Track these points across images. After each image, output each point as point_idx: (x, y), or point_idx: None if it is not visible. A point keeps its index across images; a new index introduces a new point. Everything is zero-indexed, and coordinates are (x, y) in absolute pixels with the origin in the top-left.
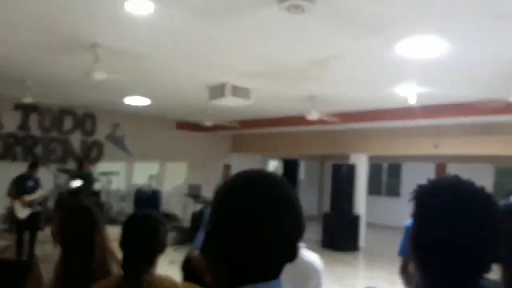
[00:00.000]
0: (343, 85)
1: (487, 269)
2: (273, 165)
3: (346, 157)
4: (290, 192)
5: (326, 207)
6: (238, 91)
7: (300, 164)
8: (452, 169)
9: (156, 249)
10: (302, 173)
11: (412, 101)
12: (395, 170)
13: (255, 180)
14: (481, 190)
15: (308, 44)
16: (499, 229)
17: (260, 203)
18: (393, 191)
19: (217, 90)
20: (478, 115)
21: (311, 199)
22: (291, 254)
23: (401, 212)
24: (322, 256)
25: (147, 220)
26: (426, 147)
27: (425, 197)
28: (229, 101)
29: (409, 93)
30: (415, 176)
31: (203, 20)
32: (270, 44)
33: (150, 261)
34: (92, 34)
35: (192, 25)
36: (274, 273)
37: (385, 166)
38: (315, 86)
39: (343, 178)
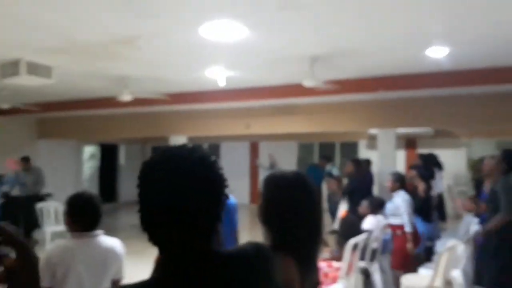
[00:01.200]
0: (155, 66)
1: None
2: (89, 151)
3: (167, 139)
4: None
5: None
6: (36, 69)
7: (120, 149)
8: (264, 147)
9: None
10: (122, 158)
11: (222, 84)
12: (214, 150)
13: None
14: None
15: (106, 19)
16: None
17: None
18: None
19: (9, 67)
20: (281, 97)
21: (133, 184)
22: None
23: None
24: (143, 240)
25: None
26: (239, 128)
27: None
28: (25, 80)
29: (219, 76)
30: (233, 155)
31: None
32: (64, 17)
33: None
34: None
35: None
36: None
37: (205, 146)
38: (125, 66)
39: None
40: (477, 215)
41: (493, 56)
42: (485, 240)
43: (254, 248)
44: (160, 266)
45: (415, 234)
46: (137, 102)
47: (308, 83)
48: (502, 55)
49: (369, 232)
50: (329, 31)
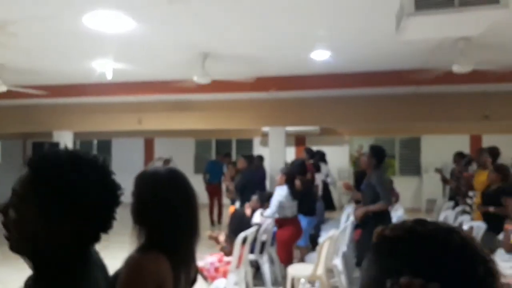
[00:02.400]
0: (34, 55)
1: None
2: None
3: (50, 134)
4: None
5: None
6: None
7: None
8: (159, 144)
9: None
10: None
11: (109, 76)
12: (105, 147)
13: None
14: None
15: None
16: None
17: None
18: None
19: None
20: (175, 93)
21: (12, 182)
22: None
23: None
24: None
25: None
26: (131, 123)
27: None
28: None
29: (106, 68)
30: (125, 152)
31: None
32: None
33: None
34: None
35: None
36: None
37: (95, 142)
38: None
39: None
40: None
41: (366, 61)
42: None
43: None
44: None
45: (297, 228)
46: (15, 93)
47: (199, 79)
48: (374, 61)
49: (259, 225)
50: (220, 29)
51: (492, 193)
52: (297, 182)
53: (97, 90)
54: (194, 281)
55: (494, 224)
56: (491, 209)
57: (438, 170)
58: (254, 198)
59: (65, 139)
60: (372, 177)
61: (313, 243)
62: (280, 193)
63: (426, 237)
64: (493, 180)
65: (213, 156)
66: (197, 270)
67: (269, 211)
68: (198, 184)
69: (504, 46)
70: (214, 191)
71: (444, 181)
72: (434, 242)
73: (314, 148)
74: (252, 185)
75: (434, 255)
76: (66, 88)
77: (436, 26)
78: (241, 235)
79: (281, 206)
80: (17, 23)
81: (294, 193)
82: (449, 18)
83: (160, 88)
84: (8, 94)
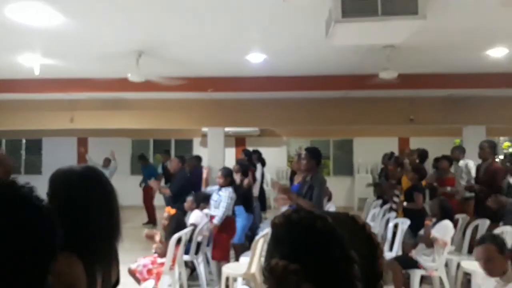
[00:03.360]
0: None
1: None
2: None
3: None
4: None
5: None
6: None
7: None
8: (93, 143)
9: None
10: None
11: (37, 72)
12: (35, 146)
13: None
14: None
15: None
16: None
17: None
18: (35, 168)
19: None
20: (108, 91)
21: None
22: None
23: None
24: None
25: None
26: (63, 121)
27: None
28: None
29: (34, 63)
30: (56, 151)
31: None
32: None
33: None
34: None
35: None
36: None
37: (23, 142)
38: None
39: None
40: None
41: (300, 65)
42: None
43: None
44: None
45: (231, 225)
46: None
47: (133, 78)
48: (307, 65)
49: (194, 225)
50: (155, 28)
51: (409, 190)
52: (247, 180)
53: (25, 86)
54: (116, 283)
55: (416, 220)
56: (405, 204)
57: (370, 184)
58: (189, 199)
59: None
60: (315, 180)
61: (250, 243)
62: (229, 195)
63: (296, 223)
64: (411, 179)
65: (151, 156)
66: (119, 272)
67: (220, 216)
68: (134, 185)
69: (427, 52)
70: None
71: (375, 186)
72: (300, 228)
73: (254, 148)
74: (188, 185)
75: (298, 239)
76: None
77: (361, 33)
78: (175, 235)
79: (228, 208)
80: None
81: (238, 191)
82: (373, 26)
83: (93, 85)
84: None
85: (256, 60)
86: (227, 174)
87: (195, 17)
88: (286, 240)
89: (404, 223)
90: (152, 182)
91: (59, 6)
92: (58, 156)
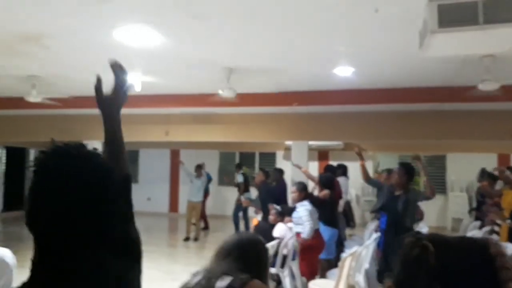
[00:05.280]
0: (68, 67)
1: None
2: None
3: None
4: None
5: None
6: None
7: (29, 153)
8: (184, 155)
9: None
10: (32, 163)
11: (138, 89)
12: (133, 157)
13: None
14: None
15: (9, 13)
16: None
17: None
18: (132, 176)
19: None
20: (200, 106)
21: None
22: None
23: (139, 198)
24: None
25: None
26: (158, 134)
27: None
28: None
29: (135, 81)
30: (152, 162)
31: None
32: None
33: None
34: None
35: None
36: None
37: None
38: (33, 65)
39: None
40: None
41: (390, 78)
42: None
43: None
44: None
45: (320, 241)
46: (47, 104)
47: (223, 93)
48: (397, 78)
49: (280, 239)
50: (242, 44)
51: None
52: (324, 192)
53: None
54: None
55: None
56: (508, 222)
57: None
58: (273, 212)
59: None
60: (411, 195)
61: (336, 259)
62: (305, 208)
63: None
64: None
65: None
66: None
67: (307, 230)
68: (220, 196)
69: None
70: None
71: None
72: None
73: (337, 163)
74: (272, 198)
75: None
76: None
77: (460, 43)
78: None
79: (313, 221)
80: (51, 35)
81: (315, 203)
82: (473, 36)
83: (187, 101)
84: (41, 104)
85: (343, 73)
86: (302, 189)
87: (285, 31)
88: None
89: (510, 249)
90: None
91: (160, 27)
92: (153, 166)
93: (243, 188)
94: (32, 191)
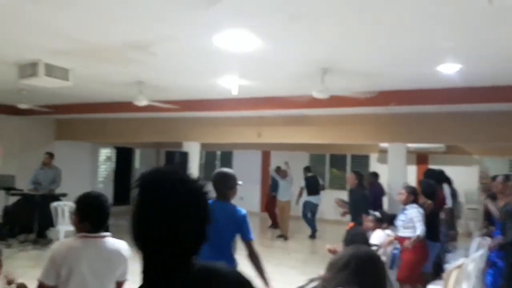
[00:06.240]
0: (169, 72)
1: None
2: (105, 154)
3: (180, 144)
4: None
5: None
6: (53, 71)
7: (135, 152)
8: (275, 156)
9: None
10: (137, 162)
11: (235, 92)
12: (227, 157)
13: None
14: (192, 179)
15: (119, 24)
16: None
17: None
18: None
19: (28, 68)
20: (292, 108)
21: None
22: None
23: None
24: None
25: None
26: (251, 136)
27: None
28: (43, 81)
29: (232, 84)
30: (244, 163)
31: None
32: (78, 21)
33: None
34: None
35: None
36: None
37: (218, 153)
38: (140, 71)
39: (176, 165)
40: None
41: (502, 74)
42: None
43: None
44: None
45: (425, 249)
46: (152, 107)
47: (318, 94)
48: (508, 75)
49: (377, 246)
50: (340, 44)
51: None
52: (429, 202)
53: (222, 105)
54: None
55: None
56: None
57: None
58: (369, 218)
59: (193, 149)
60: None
61: (437, 271)
62: (418, 210)
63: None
64: None
65: (326, 170)
66: None
67: (421, 228)
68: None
69: None
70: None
71: None
72: None
73: (438, 167)
74: (365, 203)
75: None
76: (195, 103)
77: None
78: None
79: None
80: (157, 43)
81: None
82: None
83: (279, 103)
84: (146, 108)
85: (448, 70)
86: (412, 192)
87: (384, 30)
88: None
89: None
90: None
91: (258, 31)
92: (246, 167)
93: (300, 192)
94: (149, 209)
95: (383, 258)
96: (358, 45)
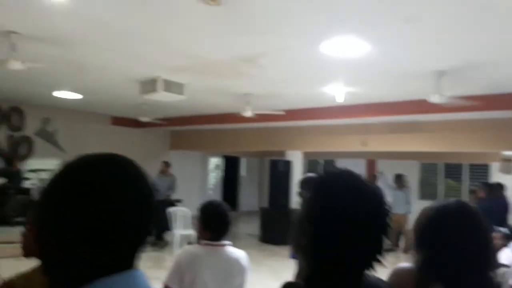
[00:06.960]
0: (275, 83)
1: (373, 260)
2: (214, 162)
3: (283, 153)
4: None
5: (265, 203)
6: (170, 86)
7: (241, 161)
8: (381, 165)
9: None
10: (243, 170)
11: (340, 100)
12: (330, 166)
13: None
14: (369, 183)
15: (230, 40)
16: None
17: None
18: None
19: (149, 85)
20: (401, 114)
21: (252, 195)
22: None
23: None
24: (259, 250)
25: None
26: (355, 145)
27: (320, 190)
28: (162, 96)
29: (337, 92)
30: None
31: (120, 8)
32: (194, 38)
33: None
34: (6, 21)
35: (111, 12)
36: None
37: (321, 162)
38: (248, 83)
39: (280, 174)
40: None
41: None
42: None
43: None
44: None
45: None
46: (258, 117)
47: (434, 99)
48: None
49: (507, 267)
50: (457, 44)
51: None
52: None
53: (325, 113)
54: None
55: None
56: None
57: None
58: (497, 235)
59: (296, 158)
60: None
61: None
62: None
63: None
64: None
65: (440, 181)
66: None
67: None
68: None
69: None
70: None
71: None
72: None
73: None
74: (491, 217)
75: None
76: (300, 111)
77: None
78: None
79: None
80: (264, 56)
81: None
82: None
83: (387, 109)
84: (252, 118)
85: None
86: None
87: (503, 27)
88: None
89: None
90: None
91: (367, 36)
92: None
93: None
94: (328, 214)
95: (511, 281)
96: (478, 45)
